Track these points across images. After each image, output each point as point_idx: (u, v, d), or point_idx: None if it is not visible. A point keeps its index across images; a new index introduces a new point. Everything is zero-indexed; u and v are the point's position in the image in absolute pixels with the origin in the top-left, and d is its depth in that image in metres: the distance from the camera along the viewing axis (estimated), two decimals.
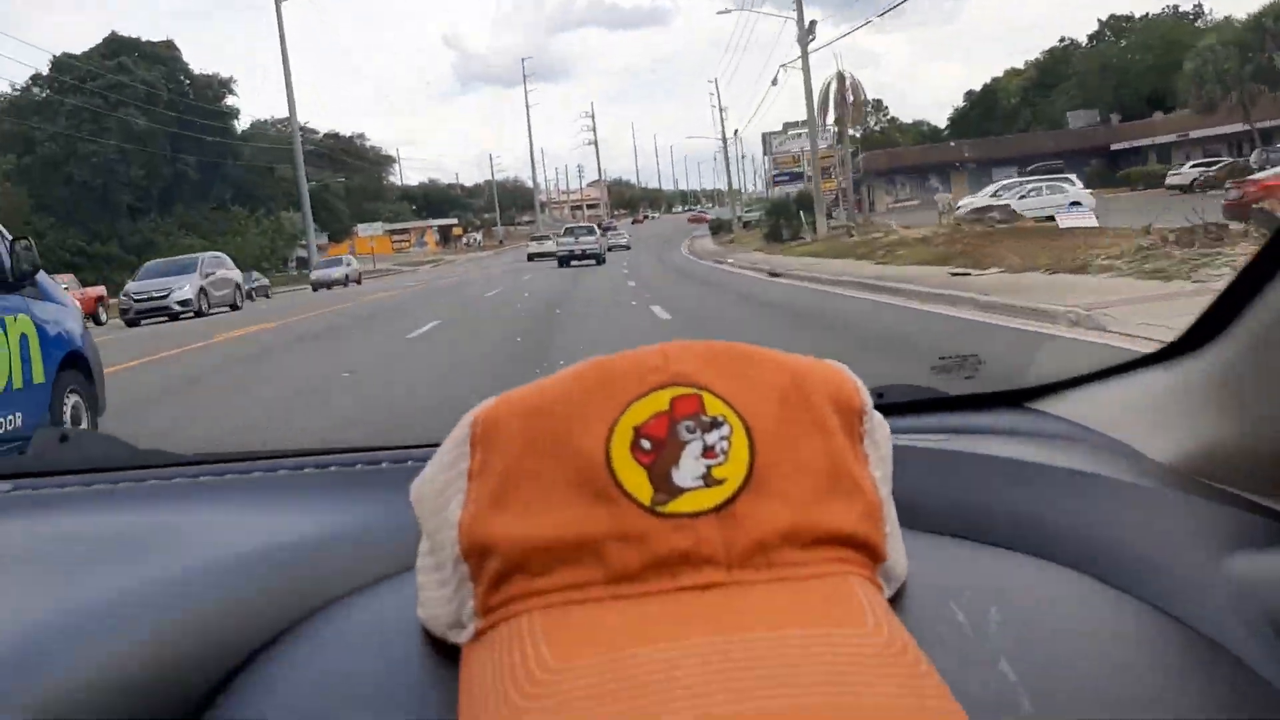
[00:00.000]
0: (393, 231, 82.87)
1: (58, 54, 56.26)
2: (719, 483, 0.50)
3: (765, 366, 0.54)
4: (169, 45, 60.39)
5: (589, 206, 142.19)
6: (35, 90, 55.99)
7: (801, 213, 40.11)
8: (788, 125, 62.51)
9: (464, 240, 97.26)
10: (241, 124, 66.07)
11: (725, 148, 74.81)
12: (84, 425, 6.55)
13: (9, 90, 55.90)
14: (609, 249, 50.23)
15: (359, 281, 44.42)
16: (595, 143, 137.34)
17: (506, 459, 0.52)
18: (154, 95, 55.17)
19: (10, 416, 5.81)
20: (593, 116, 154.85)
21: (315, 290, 41.09)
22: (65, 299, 7.02)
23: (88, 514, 1.05)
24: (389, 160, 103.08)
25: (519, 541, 0.51)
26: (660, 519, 0.49)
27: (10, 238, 6.27)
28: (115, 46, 57.40)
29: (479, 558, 0.52)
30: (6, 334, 5.85)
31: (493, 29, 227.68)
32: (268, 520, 0.95)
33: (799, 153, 60.39)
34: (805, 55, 34.04)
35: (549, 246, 52.61)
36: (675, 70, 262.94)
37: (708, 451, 0.50)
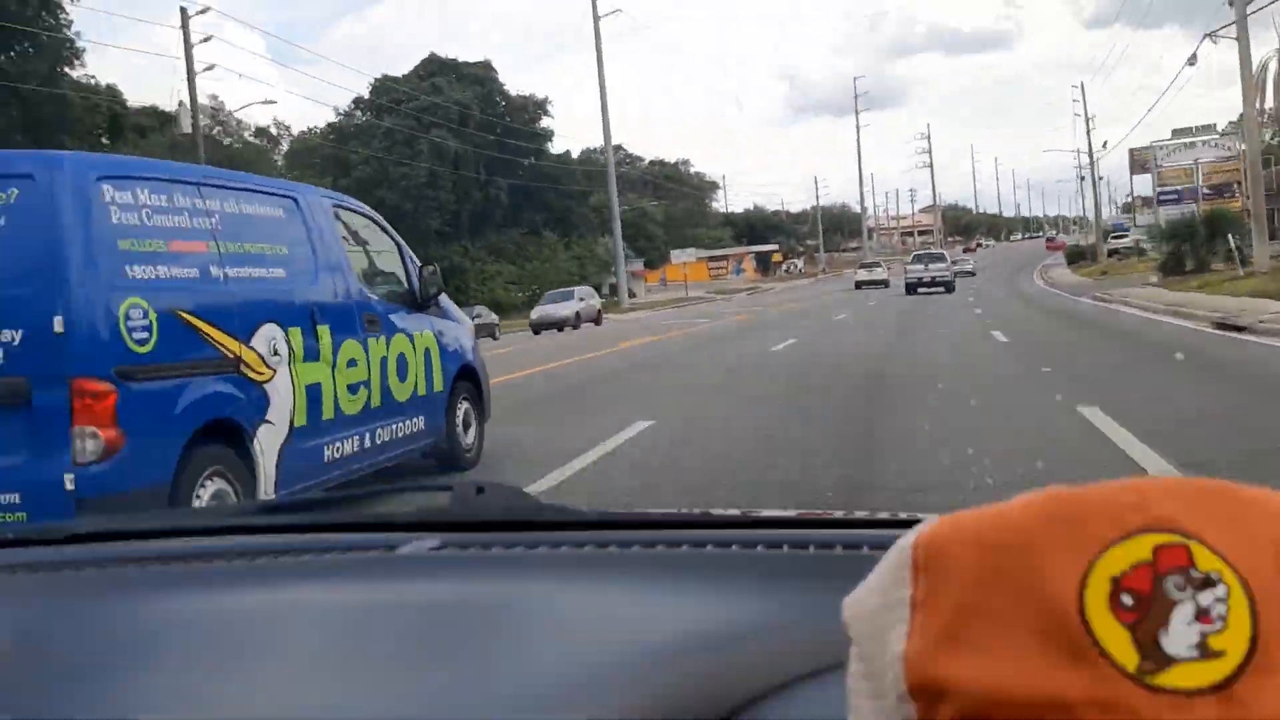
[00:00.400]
0: (710, 258, 79.26)
1: (378, 77, 55.75)
2: (1217, 655, 0.44)
3: (1261, 511, 0.46)
4: (486, 66, 58.72)
5: (920, 232, 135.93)
6: (357, 114, 55.51)
7: (1216, 237, 30.77)
8: (1178, 132, 51.29)
9: (784, 267, 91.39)
10: (557, 148, 64.28)
11: (1092, 160, 63.25)
12: (473, 431, 7.53)
13: (336, 116, 56.11)
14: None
15: (597, 321, 36.31)
16: (930, 165, 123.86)
17: (959, 592, 0.48)
18: (467, 116, 53.42)
19: (416, 419, 6.75)
20: (928, 137, 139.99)
21: (536, 333, 33.87)
22: (461, 317, 7.99)
23: (498, 578, 1.12)
24: (712, 186, 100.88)
25: (981, 691, 0.46)
26: (1149, 692, 0.43)
27: (419, 264, 7.28)
28: (433, 67, 56.25)
29: (928, 699, 0.47)
30: (415, 348, 6.80)
31: (826, 59, 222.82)
32: (675, 602, 0.98)
33: (1192, 165, 49.29)
34: (1243, 19, 24.53)
35: (879, 274, 49.45)
36: (1017, 93, 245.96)
37: (1202, 615, 0.44)
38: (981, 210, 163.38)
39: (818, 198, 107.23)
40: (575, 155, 66.74)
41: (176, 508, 2.18)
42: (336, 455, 5.93)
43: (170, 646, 1.00)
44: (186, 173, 5.58)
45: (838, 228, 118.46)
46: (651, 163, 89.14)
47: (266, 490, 5.28)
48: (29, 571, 1.28)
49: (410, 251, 7.39)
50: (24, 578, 1.27)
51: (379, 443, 6.35)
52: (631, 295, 53.36)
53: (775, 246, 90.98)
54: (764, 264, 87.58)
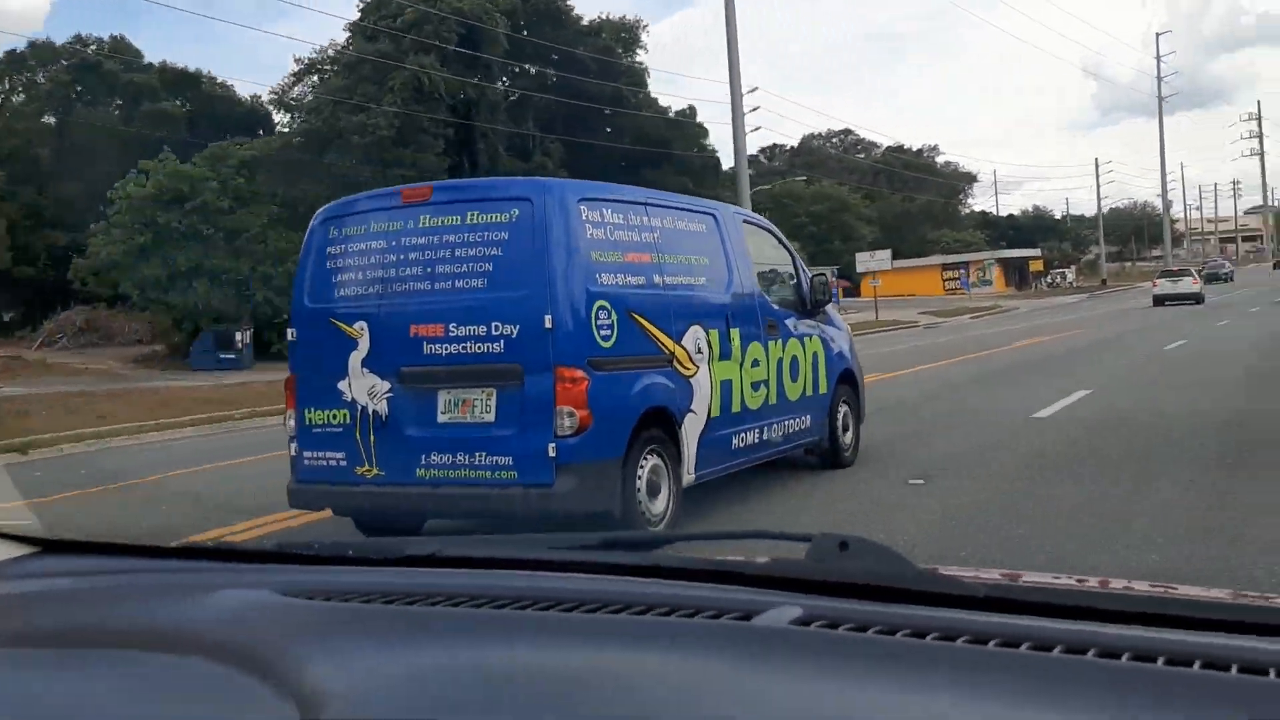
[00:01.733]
0: (944, 265, 62.52)
1: None
2: None
3: None
4: None
5: (1246, 238, 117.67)
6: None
7: None
8: None
9: (1048, 279, 70.19)
10: (677, 102, 50.30)
11: None
12: (850, 433, 8.02)
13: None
14: None
15: None
16: (1261, 151, 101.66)
17: None
18: (479, 37, 41.49)
19: (804, 418, 7.33)
20: (1259, 118, 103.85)
21: None
22: (842, 325, 8.43)
23: (874, 674, 0.94)
24: (967, 179, 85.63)
25: None
26: None
27: (809, 273, 7.92)
28: None
29: None
30: (805, 352, 7.43)
31: (1140, 58, 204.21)
32: None
33: None
34: None
35: (1186, 285, 41.23)
36: None
37: None
38: None
39: (1098, 185, 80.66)
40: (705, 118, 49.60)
41: (508, 537, 2.10)
42: (740, 445, 6.63)
43: (501, 702, 0.98)
44: (636, 194, 6.47)
45: (1136, 234, 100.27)
46: (889, 149, 76.34)
47: (688, 471, 6.04)
48: (364, 601, 1.29)
49: (802, 261, 8.02)
50: (363, 608, 1.27)
51: (773, 437, 7.01)
52: None
53: (1035, 252, 70.16)
54: (1019, 274, 67.15)
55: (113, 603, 1.38)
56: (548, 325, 5.30)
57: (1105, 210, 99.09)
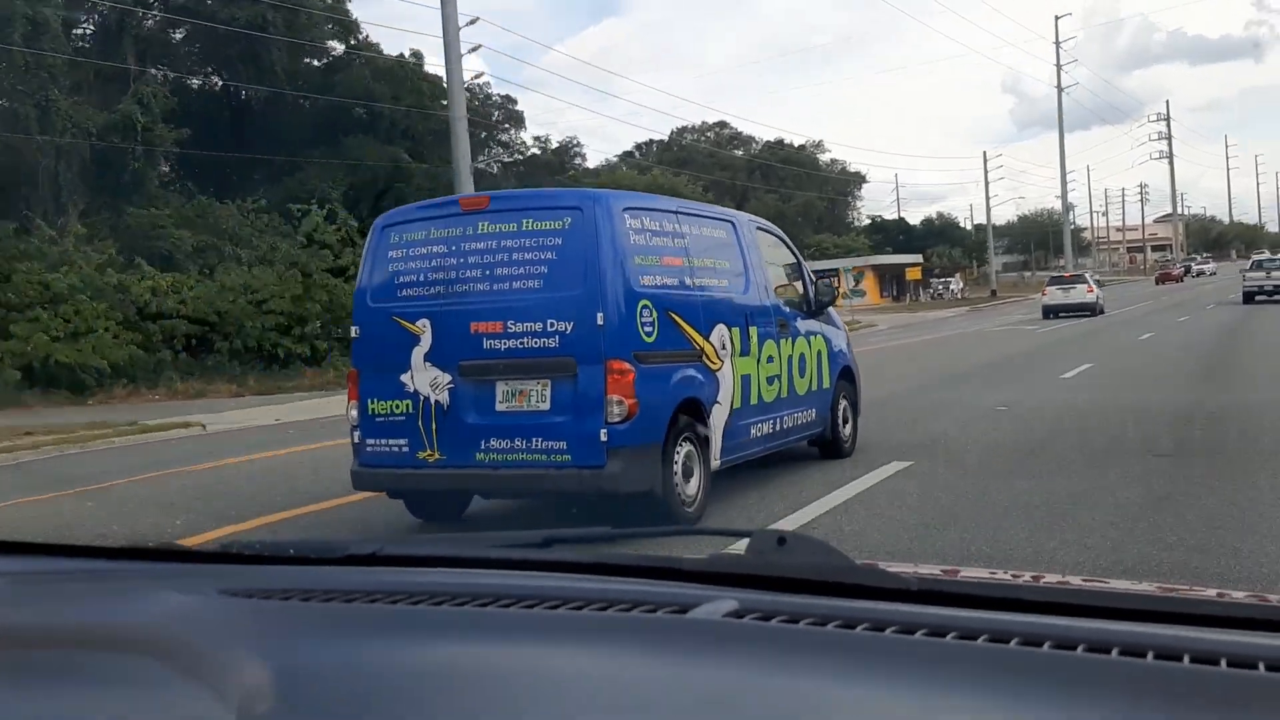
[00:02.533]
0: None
1: None
2: None
3: None
4: None
5: (1156, 247, 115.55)
6: None
7: None
8: None
9: (931, 289, 63.56)
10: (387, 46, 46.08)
11: None
12: (849, 426, 8.69)
13: None
14: None
15: None
16: (1171, 158, 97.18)
17: None
18: None
19: (810, 411, 7.99)
20: (1167, 119, 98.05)
21: None
22: (841, 324, 9.04)
23: (806, 664, 0.95)
24: (857, 179, 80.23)
25: None
26: None
27: (814, 277, 8.65)
28: None
29: None
30: (811, 349, 8.12)
31: (1054, 73, 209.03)
32: None
33: None
34: None
35: (1079, 295, 35.62)
36: (1270, 103, 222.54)
37: None
38: (1240, 221, 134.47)
39: (986, 182, 69.77)
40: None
41: (459, 534, 1.98)
42: (757, 435, 7.23)
43: (436, 698, 0.99)
44: (669, 203, 7.08)
45: (1042, 242, 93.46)
46: (769, 144, 72.63)
47: (714, 456, 6.62)
48: (303, 599, 1.31)
49: (807, 265, 8.66)
50: (301, 606, 1.30)
51: (784, 428, 7.63)
52: None
53: (914, 258, 61.80)
54: (896, 283, 61.01)
55: (53, 603, 1.38)
56: (599, 322, 5.88)
57: (1014, 219, 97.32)
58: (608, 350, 5.89)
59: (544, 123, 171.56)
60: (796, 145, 76.28)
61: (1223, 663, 0.87)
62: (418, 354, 6.20)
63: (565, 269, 5.99)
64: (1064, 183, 69.36)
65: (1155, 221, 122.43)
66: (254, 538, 1.49)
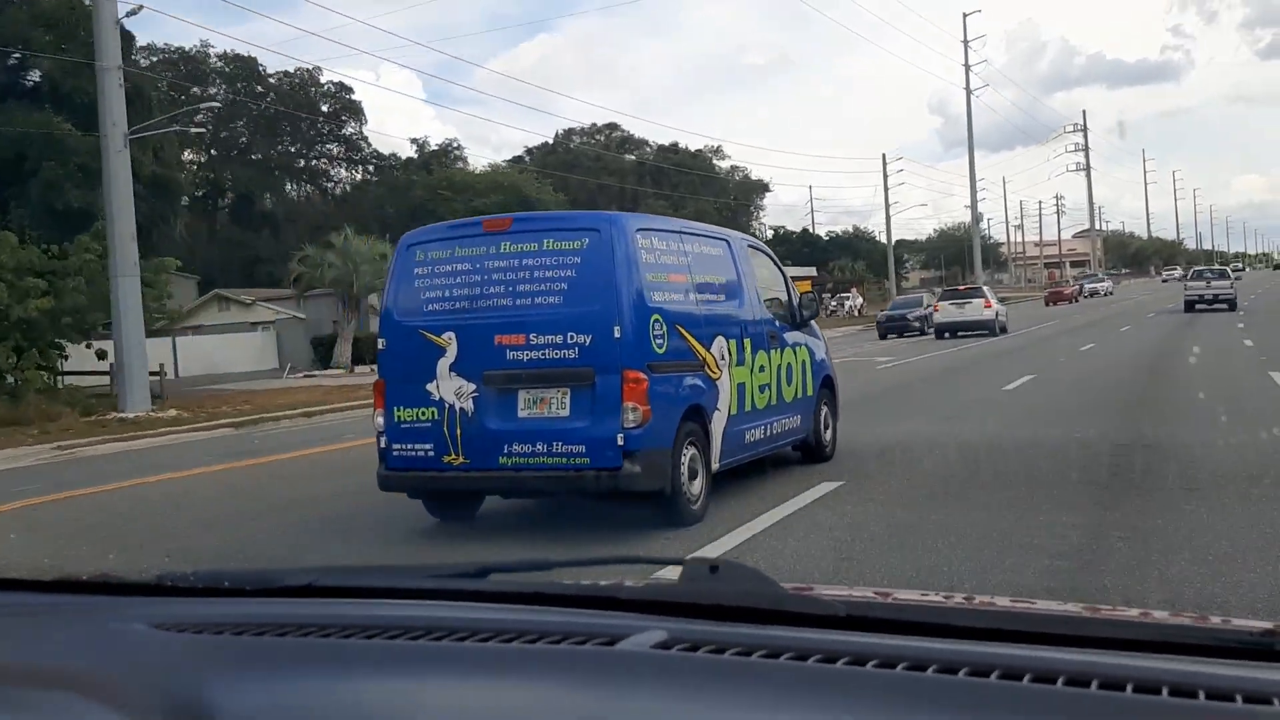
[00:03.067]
0: None
1: None
2: None
3: None
4: None
5: (1074, 262, 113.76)
6: None
7: None
8: None
9: (828, 306, 57.68)
10: None
11: None
12: (829, 431, 9.23)
13: None
14: None
15: None
16: (1088, 170, 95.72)
17: None
18: None
19: (795, 418, 8.57)
20: (1084, 129, 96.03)
21: None
22: (821, 336, 9.65)
23: (732, 696, 0.95)
24: (760, 188, 77.23)
25: None
26: None
27: (799, 292, 9.28)
28: None
29: None
30: (797, 359, 8.74)
31: (980, 95, 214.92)
32: None
33: None
34: None
35: (973, 311, 32.91)
36: (1185, 125, 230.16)
37: None
38: (1159, 237, 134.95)
39: (886, 189, 64.82)
40: None
41: (387, 567, 2.17)
42: (751, 440, 7.76)
43: None
44: (673, 224, 7.60)
45: (958, 258, 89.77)
46: (662, 149, 69.44)
47: (714, 460, 7.12)
48: (236, 634, 1.31)
49: (791, 280, 9.21)
50: (234, 640, 1.29)
51: (774, 434, 8.16)
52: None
53: (807, 270, 58.54)
54: None
55: None
56: (616, 335, 6.37)
57: (934, 233, 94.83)
58: (624, 360, 6.37)
59: (477, 137, 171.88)
60: (693, 150, 73.03)
61: (1129, 688, 0.89)
62: (443, 364, 6.64)
63: (584, 286, 6.47)
64: (974, 190, 64.83)
65: (1074, 237, 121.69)
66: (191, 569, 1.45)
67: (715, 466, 7.15)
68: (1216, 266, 42.53)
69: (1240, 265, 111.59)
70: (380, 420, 6.88)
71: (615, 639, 1.12)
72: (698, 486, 6.84)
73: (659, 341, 6.61)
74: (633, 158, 71.33)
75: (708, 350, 7.16)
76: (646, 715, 0.96)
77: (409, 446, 6.75)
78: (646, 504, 6.56)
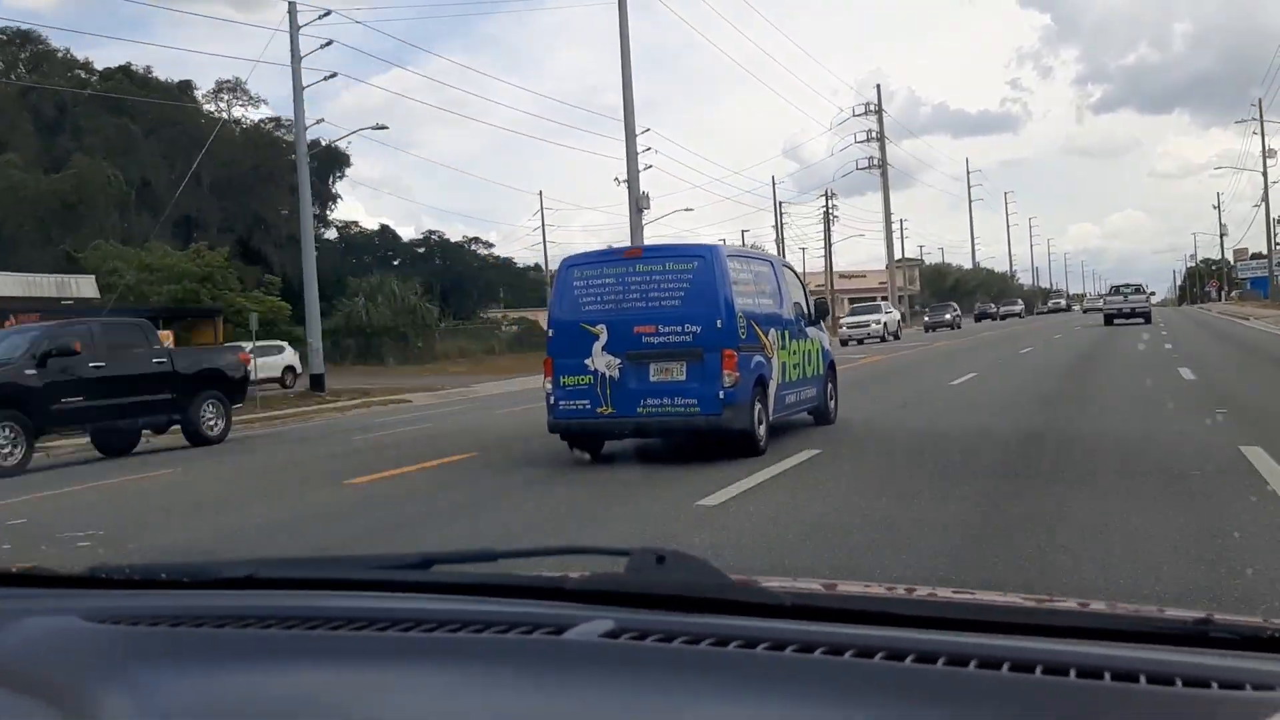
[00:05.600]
0: None
1: None
2: None
3: None
4: None
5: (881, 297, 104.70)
6: None
7: None
8: None
9: None
10: None
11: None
12: (833, 402, 12.61)
13: None
14: None
15: None
16: (882, 161, 78.98)
17: None
18: None
19: (812, 389, 11.85)
20: (880, 139, 72.62)
21: None
22: (826, 331, 12.97)
23: (680, 684, 0.97)
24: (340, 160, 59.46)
25: None
26: None
27: (812, 299, 12.75)
28: None
29: None
30: (813, 346, 12.02)
31: (831, 140, 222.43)
32: None
33: None
34: None
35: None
36: (1025, 173, 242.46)
37: None
38: (988, 269, 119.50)
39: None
40: None
41: (329, 558, 2.33)
42: (789, 402, 11.09)
43: None
44: (742, 251, 10.87)
45: None
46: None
47: (770, 414, 10.38)
48: (173, 625, 1.30)
49: (807, 288, 12.57)
50: (170, 632, 1.28)
51: (802, 399, 11.51)
52: None
53: None
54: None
55: None
56: (718, 326, 9.62)
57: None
58: (723, 343, 9.63)
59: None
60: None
61: (1072, 673, 0.91)
62: (597, 346, 9.83)
63: (695, 293, 9.72)
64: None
65: (887, 267, 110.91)
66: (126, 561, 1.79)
67: (770, 419, 10.44)
68: (1133, 283, 47.84)
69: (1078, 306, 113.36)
70: (548, 385, 10.06)
71: (563, 628, 1.13)
72: (763, 430, 10.11)
73: (743, 331, 9.88)
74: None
75: (766, 338, 10.46)
76: (596, 704, 0.96)
77: (571, 402, 9.92)
78: (734, 439, 9.81)
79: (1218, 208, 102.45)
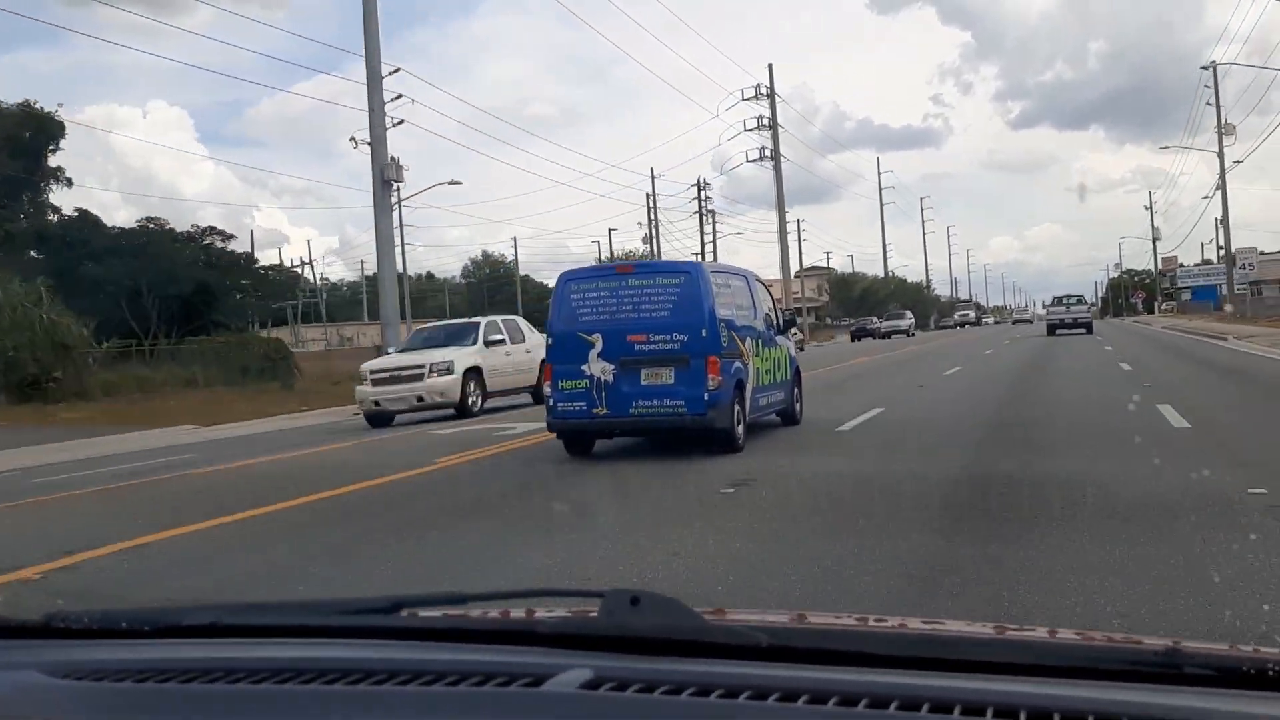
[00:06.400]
0: None
1: None
2: None
3: None
4: None
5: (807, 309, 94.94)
6: None
7: None
8: None
9: None
10: None
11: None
12: (799, 405, 13.78)
13: None
14: None
15: None
16: (779, 182, 79.43)
17: None
18: None
19: (780, 393, 12.92)
20: (775, 148, 60.67)
21: None
22: (792, 340, 14.35)
23: None
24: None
25: None
26: None
27: (780, 311, 14.12)
28: None
29: None
30: (781, 354, 13.11)
31: (759, 153, 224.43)
32: None
33: None
34: None
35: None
36: (946, 187, 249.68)
37: None
38: (903, 279, 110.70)
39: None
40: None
41: (292, 602, 2.19)
42: (763, 404, 12.19)
43: None
44: (721, 267, 11.96)
45: None
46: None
47: (747, 414, 11.45)
48: (138, 680, 1.25)
49: (776, 300, 13.69)
50: (135, 688, 1.23)
51: (772, 402, 12.62)
52: None
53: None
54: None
55: None
56: (703, 334, 10.68)
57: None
58: (708, 350, 10.69)
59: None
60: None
61: (1056, 718, 0.93)
62: (593, 354, 10.83)
63: (682, 305, 10.77)
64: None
65: (794, 276, 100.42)
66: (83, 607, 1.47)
67: (747, 418, 11.52)
68: (1074, 294, 48.27)
69: (992, 318, 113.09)
70: (548, 388, 11.04)
71: (540, 679, 1.10)
72: (741, 429, 11.17)
73: (724, 340, 10.95)
74: None
75: (744, 346, 11.55)
76: None
77: (569, 404, 10.91)
78: (716, 437, 10.86)
79: (1149, 206, 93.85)
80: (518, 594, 1.71)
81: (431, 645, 1.28)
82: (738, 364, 11.30)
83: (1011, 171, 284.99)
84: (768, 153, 59.74)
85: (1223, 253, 63.44)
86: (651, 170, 55.40)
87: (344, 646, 1.31)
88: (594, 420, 10.90)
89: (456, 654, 1.24)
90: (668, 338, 10.76)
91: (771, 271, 61.10)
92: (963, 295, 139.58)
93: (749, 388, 11.59)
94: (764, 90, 59.91)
